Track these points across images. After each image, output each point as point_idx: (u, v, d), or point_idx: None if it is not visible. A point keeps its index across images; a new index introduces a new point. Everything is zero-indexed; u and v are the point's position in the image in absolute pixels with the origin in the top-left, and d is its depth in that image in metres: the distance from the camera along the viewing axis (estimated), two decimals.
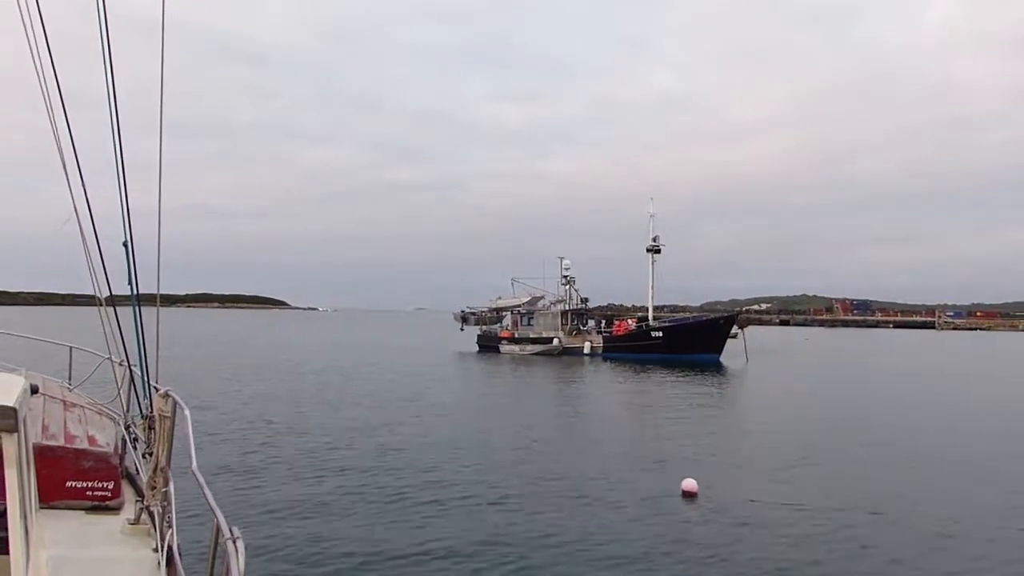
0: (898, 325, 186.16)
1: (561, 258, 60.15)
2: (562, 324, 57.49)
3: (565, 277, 59.82)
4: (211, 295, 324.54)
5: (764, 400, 31.55)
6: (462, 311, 65.26)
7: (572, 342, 56.01)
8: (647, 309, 59.64)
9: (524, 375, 41.99)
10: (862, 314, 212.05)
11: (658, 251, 56.69)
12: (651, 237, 56.73)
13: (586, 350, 54.79)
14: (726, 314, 54.08)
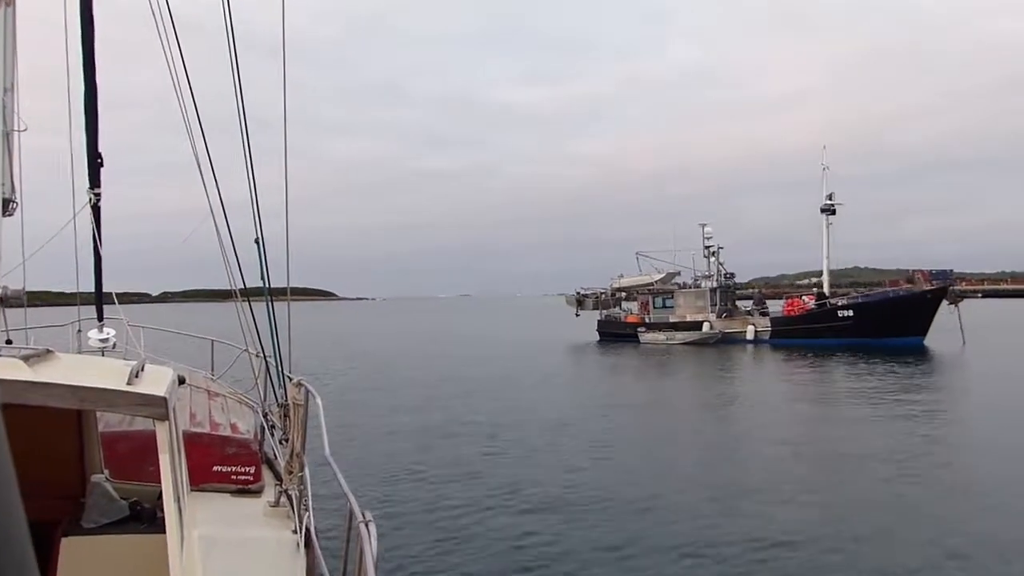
0: (987, 295, 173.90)
1: (703, 225, 49.44)
2: (711, 305, 46.96)
3: (708, 248, 49.19)
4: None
5: None
6: (576, 293, 54.95)
7: (729, 326, 45.44)
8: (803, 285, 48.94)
9: (694, 375, 31.74)
10: (942, 283, 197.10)
11: (833, 211, 45.65)
12: (825, 195, 45.59)
13: (749, 336, 44.15)
14: (933, 287, 43.49)
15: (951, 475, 13.77)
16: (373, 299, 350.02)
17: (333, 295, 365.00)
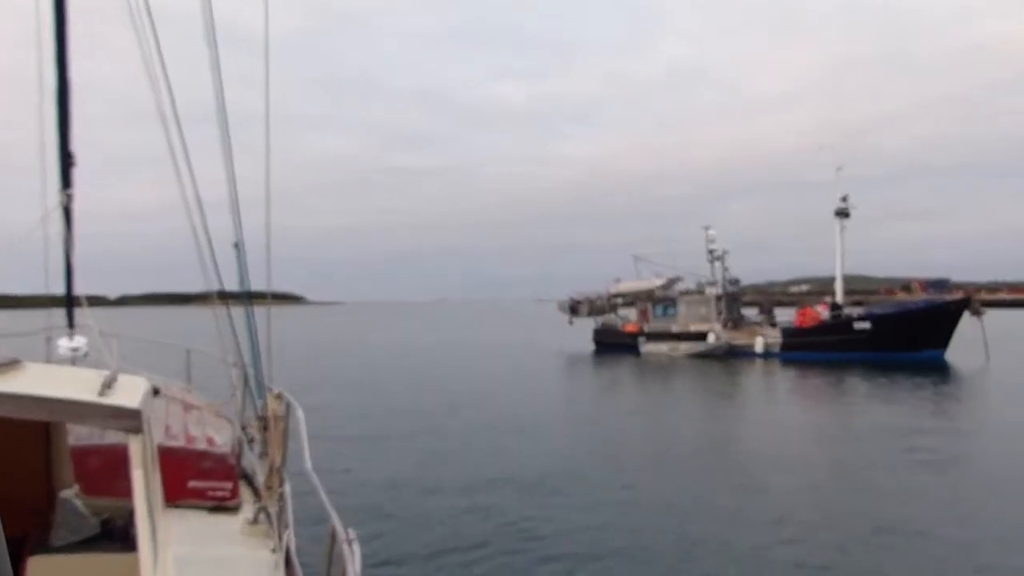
0: (984, 304, 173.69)
1: (706, 228, 46.46)
2: (716, 313, 44.10)
3: (711, 252, 46.30)
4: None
5: None
6: (570, 299, 51.78)
7: (735, 337, 42.55)
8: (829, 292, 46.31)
9: (705, 393, 28.68)
10: (938, 293, 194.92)
11: (847, 215, 42.99)
12: (840, 196, 42.72)
13: (758, 348, 41.19)
14: (956, 298, 41.19)
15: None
16: (344, 303, 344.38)
17: (302, 299, 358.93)
